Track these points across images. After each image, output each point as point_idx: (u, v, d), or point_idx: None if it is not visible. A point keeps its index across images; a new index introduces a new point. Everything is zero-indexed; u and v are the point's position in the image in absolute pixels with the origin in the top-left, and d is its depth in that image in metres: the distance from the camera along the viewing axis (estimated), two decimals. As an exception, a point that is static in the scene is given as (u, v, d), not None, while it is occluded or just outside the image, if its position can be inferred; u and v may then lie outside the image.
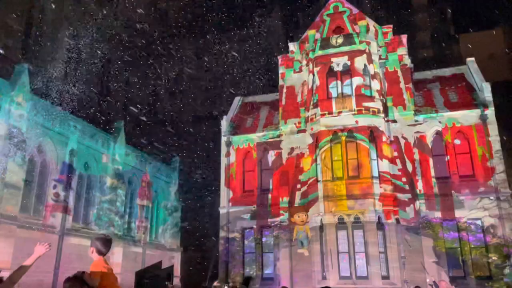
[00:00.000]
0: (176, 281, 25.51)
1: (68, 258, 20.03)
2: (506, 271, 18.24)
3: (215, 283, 16.06)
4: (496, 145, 20.00)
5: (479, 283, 18.67)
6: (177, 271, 27.23)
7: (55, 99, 21.12)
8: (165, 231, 29.87)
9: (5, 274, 15.77)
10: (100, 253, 5.47)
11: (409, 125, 21.65)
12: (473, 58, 24.15)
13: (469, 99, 21.64)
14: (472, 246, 19.44)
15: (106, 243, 5.65)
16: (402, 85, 22.34)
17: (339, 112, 21.50)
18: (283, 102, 24.20)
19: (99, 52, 25.86)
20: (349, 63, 22.19)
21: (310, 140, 22.29)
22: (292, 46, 25.04)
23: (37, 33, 25.56)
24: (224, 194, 23.93)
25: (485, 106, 20.63)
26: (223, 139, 24.82)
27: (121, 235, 24.49)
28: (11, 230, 17.39)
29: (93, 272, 4.87)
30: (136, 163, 27.56)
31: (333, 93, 22.26)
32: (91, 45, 24.98)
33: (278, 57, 25.42)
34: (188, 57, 32.63)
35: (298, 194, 22.13)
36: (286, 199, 22.23)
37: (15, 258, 17.20)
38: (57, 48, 25.37)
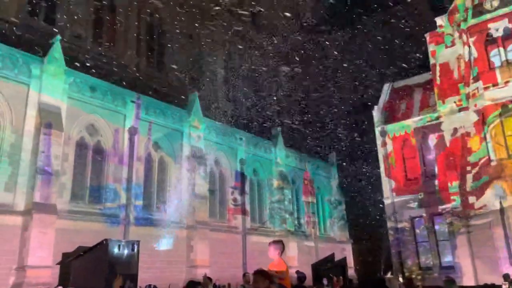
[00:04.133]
0: (351, 271, 26.30)
1: (252, 254, 22.66)
2: None
3: (389, 275, 16.29)
4: None
5: None
6: (350, 262, 27.99)
7: (222, 118, 24.19)
8: (333, 225, 31.00)
9: (206, 271, 18.78)
10: (282, 253, 6.65)
11: None
12: None
13: None
14: None
15: (283, 244, 6.75)
16: None
17: (506, 82, 19.46)
18: (438, 81, 22.83)
19: (251, 69, 28.49)
20: (510, 25, 19.83)
21: (475, 118, 20.64)
22: (440, 20, 23.40)
23: (199, 61, 29.46)
24: (386, 184, 23.80)
25: None
26: (377, 129, 24.69)
27: (293, 231, 26.45)
28: (205, 233, 20.63)
29: (281, 271, 5.99)
30: (296, 163, 29.33)
31: (496, 62, 20.20)
32: (244, 64, 27.72)
33: (426, 35, 24.05)
34: (335, 49, 33.14)
35: (469, 177, 20.66)
36: (455, 183, 20.96)
37: (211, 257, 20.40)
38: (216, 72, 28.89)
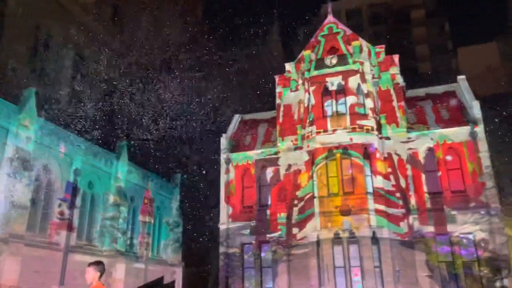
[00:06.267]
0: (178, 296, 26.01)
1: (72, 274, 20.59)
2: (497, 284, 18.71)
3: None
4: (486, 161, 20.62)
5: (472, 297, 19.14)
6: (178, 286, 27.71)
7: (61, 121, 21.97)
8: (167, 247, 30.43)
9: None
10: (102, 276, 6.19)
11: (402, 142, 22.33)
12: (463, 76, 24.89)
13: (460, 116, 22.33)
14: (465, 260, 19.94)
15: (104, 266, 6.31)
16: (394, 103, 23.09)
17: (334, 130, 22.27)
18: (281, 120, 24.96)
19: (103, 74, 26.85)
20: (343, 82, 23.01)
21: (306, 157, 22.99)
22: (289, 66, 25.90)
23: (43, 56, 26.55)
24: (224, 210, 24.56)
25: (475, 123, 21.30)
26: (223, 156, 25.53)
27: (123, 251, 25.07)
28: (18, 248, 18.04)
29: None
30: (139, 180, 28.24)
31: (328, 111, 23.03)
32: (96, 68, 25.93)
33: (275, 77, 26.26)
34: (188, 77, 33.57)
35: (295, 210, 22.75)
36: (284, 214, 22.84)
37: (22, 276, 17.88)
38: (62, 71, 26.36)
